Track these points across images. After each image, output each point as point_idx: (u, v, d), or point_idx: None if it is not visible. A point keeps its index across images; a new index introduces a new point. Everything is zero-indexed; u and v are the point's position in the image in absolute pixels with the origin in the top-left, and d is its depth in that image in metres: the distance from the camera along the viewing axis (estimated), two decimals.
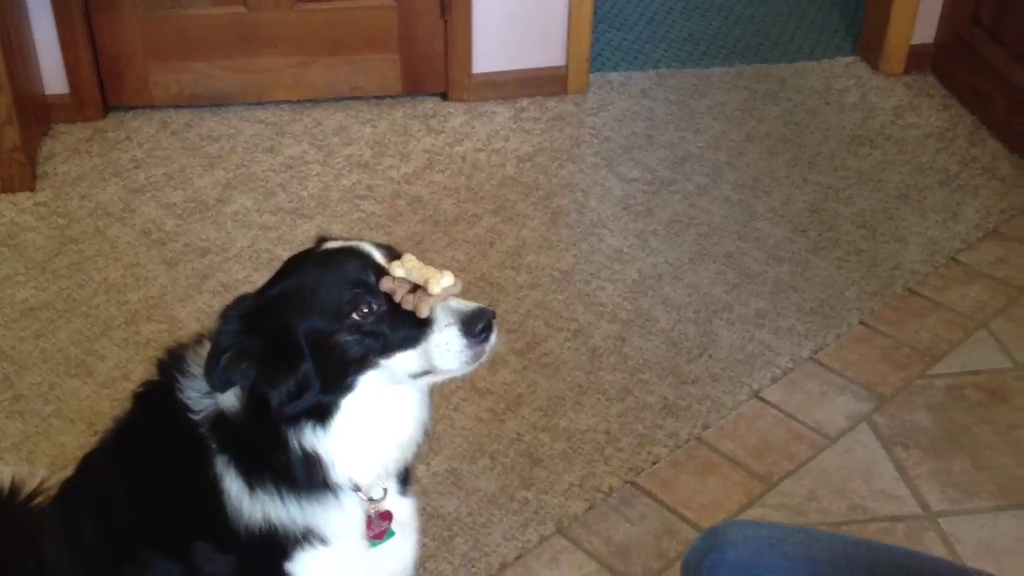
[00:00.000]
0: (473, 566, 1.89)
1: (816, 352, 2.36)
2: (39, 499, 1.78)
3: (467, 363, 1.22)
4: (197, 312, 2.42)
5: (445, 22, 3.12)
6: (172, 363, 1.33)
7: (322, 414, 1.23)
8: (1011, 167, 2.95)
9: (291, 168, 2.93)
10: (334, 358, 1.21)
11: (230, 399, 1.25)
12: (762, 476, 2.06)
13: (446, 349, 1.21)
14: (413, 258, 1.23)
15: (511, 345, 2.35)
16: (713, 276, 2.58)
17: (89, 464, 1.45)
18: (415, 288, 1.21)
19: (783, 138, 3.10)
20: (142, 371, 2.25)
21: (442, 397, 2.21)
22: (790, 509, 1.99)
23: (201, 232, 2.68)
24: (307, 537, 1.30)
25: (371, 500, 1.33)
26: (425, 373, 1.24)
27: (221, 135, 3.05)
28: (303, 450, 1.24)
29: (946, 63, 3.33)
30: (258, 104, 3.16)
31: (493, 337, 1.22)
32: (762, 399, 2.24)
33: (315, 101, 3.18)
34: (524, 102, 3.22)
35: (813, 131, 3.14)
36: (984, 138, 3.08)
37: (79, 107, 3.07)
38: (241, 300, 1.25)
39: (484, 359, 1.23)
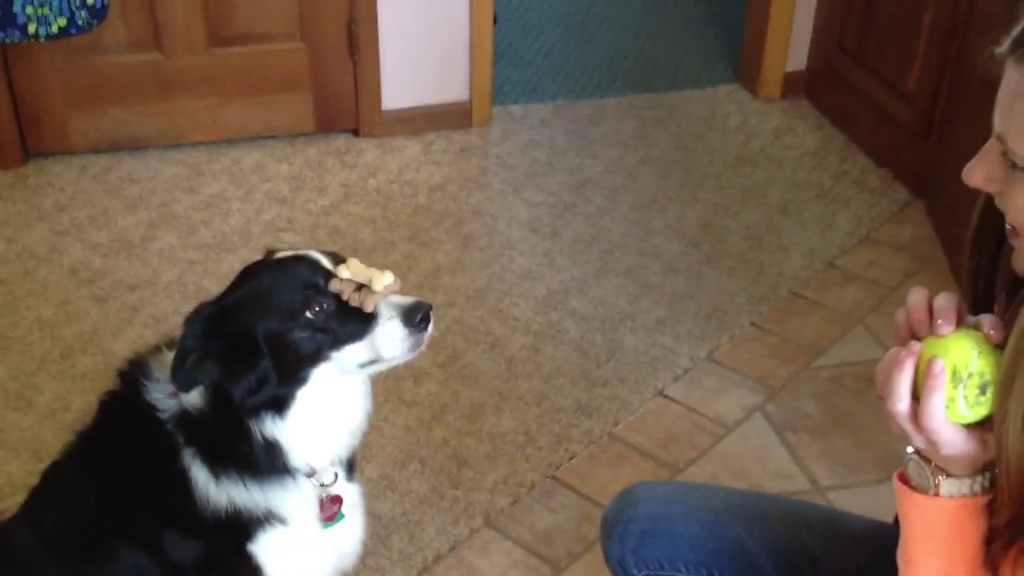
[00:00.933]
0: (410, 560, 2.04)
1: (712, 352, 2.58)
2: None
3: (409, 350, 1.39)
4: (130, 344, 2.53)
5: (354, 62, 3.30)
6: (135, 370, 1.46)
7: (280, 405, 1.39)
8: (878, 180, 3.23)
9: (212, 205, 3.06)
10: (290, 354, 1.37)
11: (194, 397, 1.40)
12: (669, 464, 2.26)
13: (390, 339, 1.37)
14: (356, 261, 1.40)
15: (433, 359, 2.52)
16: (616, 289, 2.79)
17: (54, 472, 1.57)
18: (360, 287, 1.37)
19: (674, 161, 3.35)
20: (81, 401, 2.36)
21: (372, 409, 2.36)
22: None
23: (128, 269, 2.79)
24: (268, 519, 1.44)
25: (322, 485, 1.49)
26: (372, 362, 1.40)
27: (141, 177, 3.17)
28: (264, 438, 1.38)
29: (817, 87, 3.62)
30: (175, 146, 3.29)
31: (430, 327, 1.40)
32: (666, 396, 2.45)
33: (231, 141, 3.32)
34: (432, 135, 3.41)
35: (701, 153, 3.39)
36: (854, 154, 3.36)
37: (0, 155, 3.16)
38: (202, 307, 1.40)
39: (423, 347, 1.40)
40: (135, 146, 3.26)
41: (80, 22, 2.88)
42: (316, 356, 1.39)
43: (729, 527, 1.41)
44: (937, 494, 1.06)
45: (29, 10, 2.80)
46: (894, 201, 3.13)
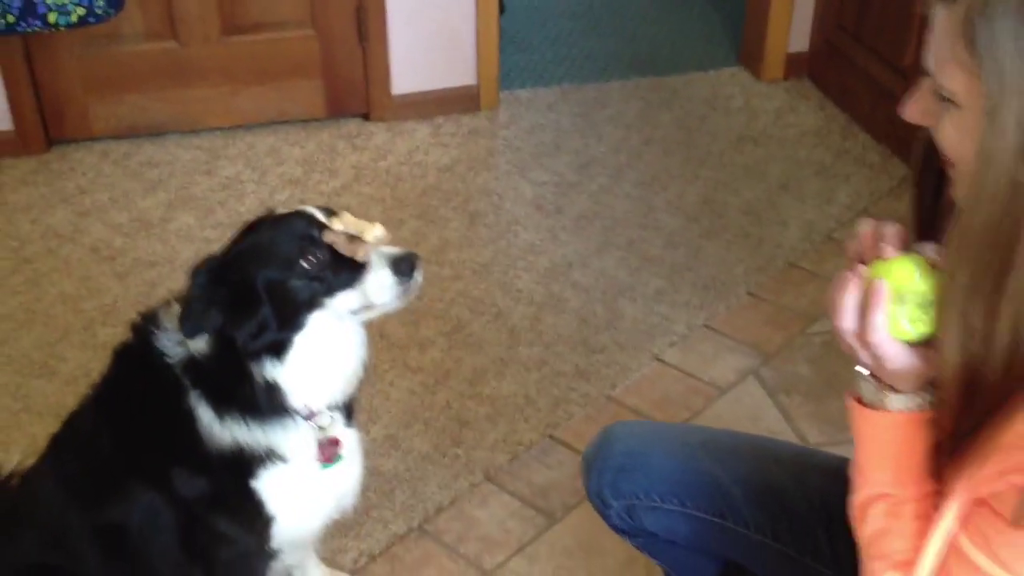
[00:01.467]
0: (411, 511, 2.14)
1: (709, 320, 2.66)
2: (15, 480, 1.99)
3: (397, 297, 1.48)
4: None
5: (363, 48, 3.40)
6: (146, 322, 1.57)
7: (279, 350, 1.48)
8: (878, 156, 3.30)
9: (228, 187, 3.17)
10: (287, 301, 1.46)
11: (200, 344, 1.50)
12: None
13: (380, 286, 1.47)
14: (349, 215, 1.50)
15: (439, 329, 2.61)
16: (617, 262, 2.87)
17: (73, 419, 1.68)
18: (352, 238, 1.47)
19: (677, 141, 3.42)
20: (102, 368, 2.46)
21: (377, 375, 2.46)
22: None
23: (148, 247, 2.90)
24: (269, 456, 1.54)
25: (321, 428, 1.58)
26: (363, 309, 1.50)
27: (160, 161, 3.28)
28: (265, 380, 1.48)
29: (819, 67, 3.69)
30: (193, 132, 3.40)
31: (418, 275, 1.49)
32: (662, 361, 2.53)
33: (246, 127, 3.43)
34: (441, 119, 3.50)
35: (703, 134, 3.46)
36: (855, 132, 3.43)
37: (23, 143, 3.28)
38: (208, 260, 1.50)
39: (412, 295, 1.49)
40: (154, 132, 3.37)
41: (99, 12, 2.99)
42: (311, 303, 1.48)
43: (701, 460, 1.49)
44: (886, 409, 1.14)
45: (50, 1, 2.92)
46: (892, 176, 3.20)
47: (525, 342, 2.58)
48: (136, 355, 1.57)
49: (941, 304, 1.05)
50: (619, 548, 2.05)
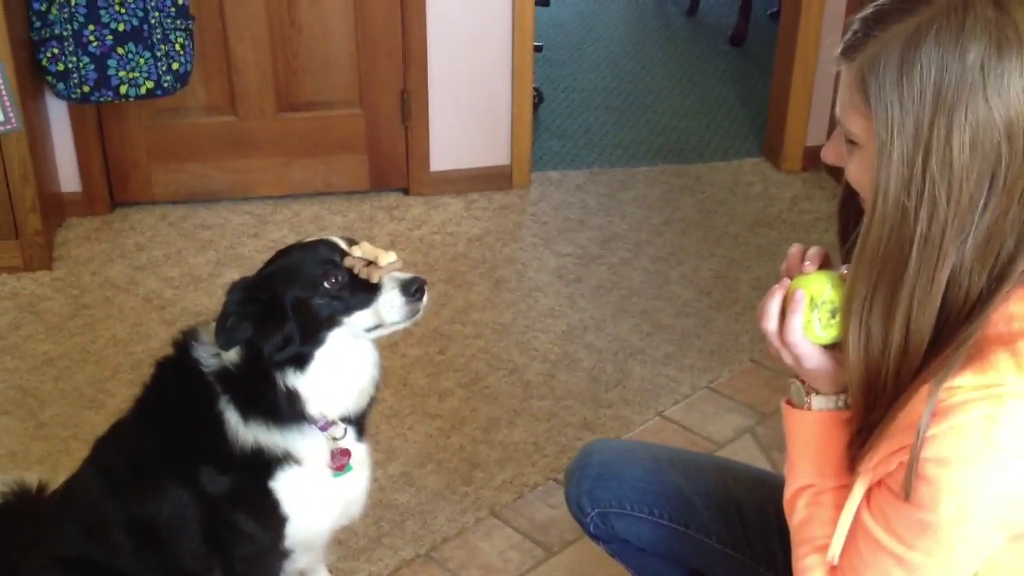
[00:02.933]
0: (420, 540, 2.30)
1: (712, 382, 2.82)
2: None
3: (407, 317, 1.68)
4: None
5: (406, 128, 3.67)
6: (186, 336, 1.79)
7: (301, 362, 1.68)
8: None
9: (273, 248, 3.37)
10: (311, 317, 1.67)
11: (232, 356, 1.71)
12: None
13: (391, 306, 1.66)
14: (367, 244, 1.71)
15: (458, 381, 2.81)
16: (630, 327, 3.05)
17: (118, 423, 1.89)
18: (368, 263, 1.68)
19: (696, 222, 3.63)
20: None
21: (399, 418, 2.65)
22: None
23: (196, 299, 3.14)
24: (286, 459, 1.73)
25: (334, 439, 1.77)
26: (377, 327, 1.69)
27: (213, 224, 3.55)
28: (287, 388, 1.68)
29: None
30: (245, 199, 3.67)
31: (425, 298, 1.68)
32: (665, 417, 2.69)
33: (294, 196, 3.70)
34: (474, 195, 3.75)
35: (721, 216, 3.66)
36: None
37: (89, 203, 3.56)
38: (243, 279, 1.72)
39: (420, 316, 1.69)
40: (209, 198, 3.65)
41: (166, 85, 3.30)
42: (331, 320, 1.68)
43: (669, 473, 1.66)
44: (809, 408, 1.31)
45: (122, 74, 3.23)
46: None
47: (538, 396, 2.76)
48: (175, 365, 1.78)
49: (846, 312, 1.22)
50: None
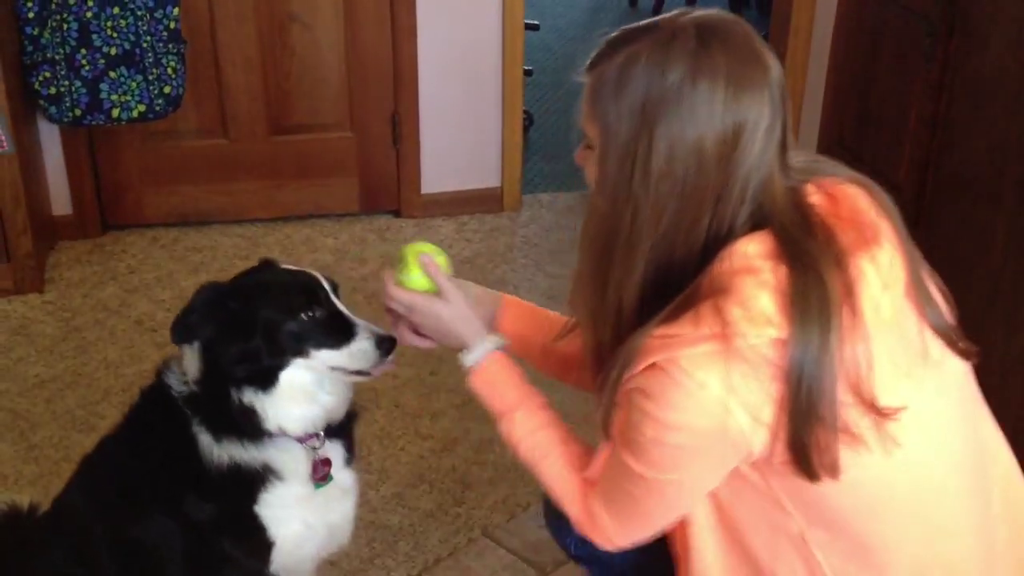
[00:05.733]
0: (412, 562, 2.30)
1: None
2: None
3: (371, 367, 1.69)
4: None
5: (397, 150, 3.69)
6: (163, 366, 1.78)
7: (263, 381, 1.66)
8: None
9: None
10: (279, 341, 1.65)
11: (192, 370, 1.69)
12: None
13: (361, 354, 1.67)
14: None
15: (450, 401, 2.81)
16: None
17: (104, 442, 1.88)
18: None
19: None
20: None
21: (390, 440, 2.65)
22: None
23: None
24: (266, 474, 1.71)
25: (314, 449, 1.75)
26: (340, 370, 1.70)
27: (204, 247, 3.55)
28: (242, 404, 1.66)
29: None
30: (236, 222, 3.68)
31: (391, 356, 1.69)
32: None
33: (285, 219, 3.71)
34: (465, 217, 3.76)
35: None
36: None
37: (81, 226, 3.57)
38: (216, 283, 1.70)
39: (380, 371, 1.70)
40: (201, 220, 3.66)
41: (157, 108, 3.32)
42: (299, 350, 1.67)
43: None
44: (474, 365, 1.55)
45: (114, 97, 3.24)
46: None
47: None
48: (154, 391, 1.78)
49: (574, 289, 1.45)
50: None
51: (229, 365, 1.65)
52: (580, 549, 1.68)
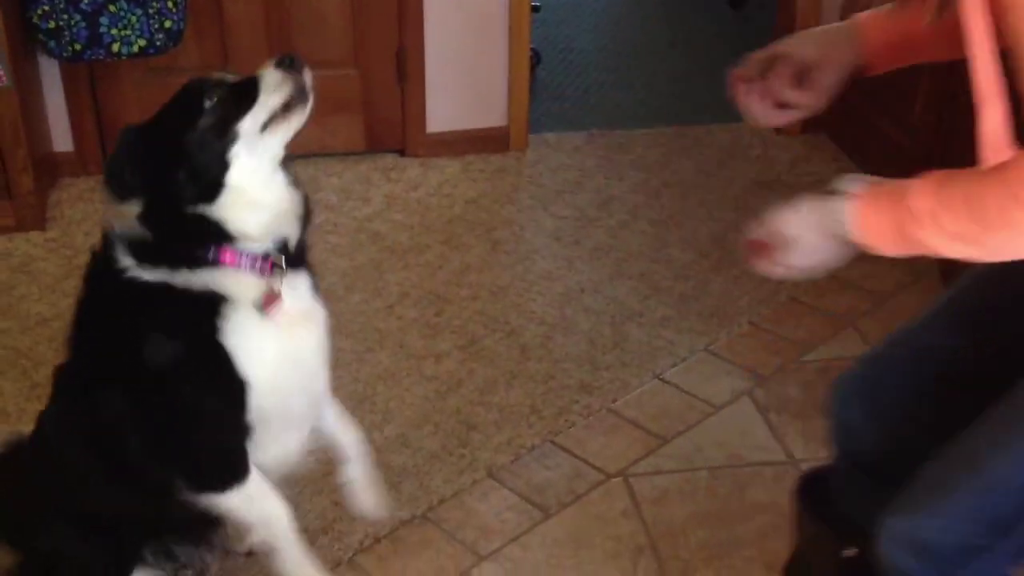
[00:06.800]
0: (416, 502, 2.29)
1: (710, 345, 2.81)
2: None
3: (294, 93, 1.64)
4: None
5: (402, 89, 3.63)
6: (105, 240, 1.70)
7: (211, 193, 1.59)
8: None
9: None
10: (206, 143, 1.58)
11: (131, 209, 1.60)
12: (659, 435, 2.49)
13: (274, 86, 1.63)
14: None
15: (454, 343, 2.79)
16: (628, 290, 3.03)
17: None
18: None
19: (694, 184, 3.60)
20: None
21: (394, 381, 2.64)
22: (679, 458, 2.42)
23: None
24: (220, 301, 1.62)
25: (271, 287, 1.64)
26: (276, 122, 1.64)
27: None
28: (201, 216, 1.60)
29: (836, 123, 3.85)
30: None
31: (306, 71, 1.65)
32: (663, 380, 2.68)
33: (289, 157, 3.65)
34: (471, 157, 3.71)
35: (721, 179, 3.64)
36: None
37: (82, 163, 3.53)
38: (131, 126, 1.63)
39: (309, 94, 1.66)
40: None
41: (158, 43, 3.26)
42: (226, 135, 1.59)
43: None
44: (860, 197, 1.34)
45: (114, 31, 3.18)
46: None
47: (535, 358, 2.74)
48: (92, 268, 1.74)
49: None
50: (607, 542, 2.20)
51: (178, 194, 1.58)
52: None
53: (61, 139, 3.48)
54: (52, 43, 3.17)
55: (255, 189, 1.64)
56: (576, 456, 2.42)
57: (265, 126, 1.64)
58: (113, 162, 1.61)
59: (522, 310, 2.93)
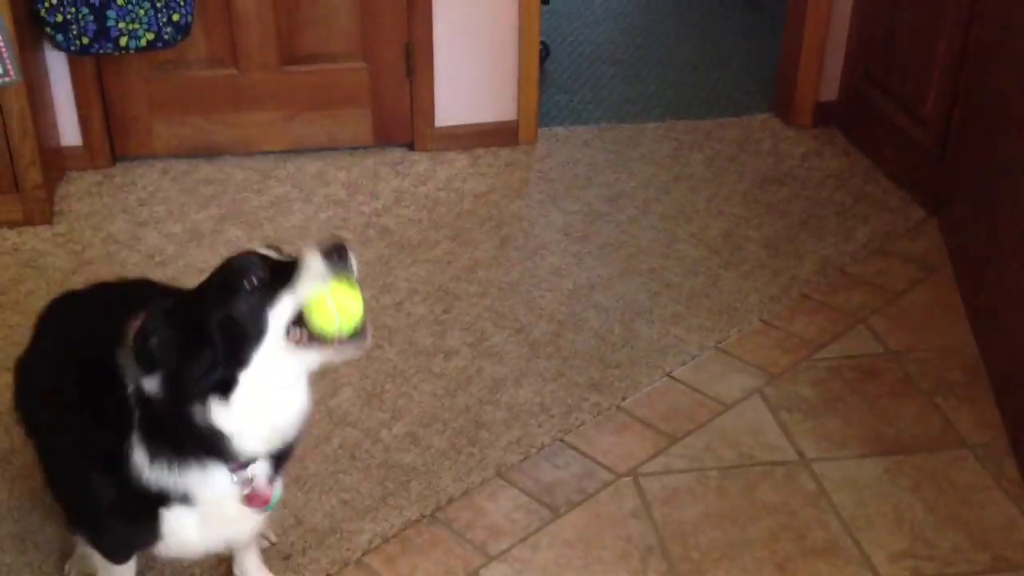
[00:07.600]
0: (425, 501, 2.28)
1: (720, 342, 2.79)
2: None
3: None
4: None
5: (410, 82, 3.61)
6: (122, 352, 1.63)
7: (226, 389, 1.53)
8: (897, 200, 3.42)
9: (275, 205, 3.37)
10: (237, 329, 1.51)
11: (152, 387, 1.55)
12: (668, 434, 2.47)
13: (315, 273, 1.51)
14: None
15: (463, 340, 2.77)
16: (638, 286, 3.01)
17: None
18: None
19: (704, 179, 3.58)
20: None
21: (403, 379, 2.63)
22: (689, 457, 2.40)
23: (198, 256, 3.11)
24: (183, 499, 1.65)
25: (248, 480, 1.65)
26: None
27: (215, 179, 3.50)
28: (208, 424, 1.55)
29: (847, 116, 3.83)
30: (247, 154, 3.62)
31: (352, 259, 1.53)
32: (673, 378, 2.66)
33: (297, 151, 3.65)
34: (480, 151, 3.69)
35: (731, 173, 3.61)
36: (877, 177, 3.55)
37: (90, 157, 3.52)
38: (159, 302, 1.56)
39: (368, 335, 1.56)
40: (212, 153, 3.60)
41: (166, 37, 3.24)
42: (257, 327, 1.51)
43: None
44: None
45: (122, 25, 3.17)
46: (909, 219, 3.31)
47: (544, 355, 2.73)
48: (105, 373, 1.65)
49: None
50: (617, 543, 2.18)
51: (195, 381, 1.52)
52: None
53: (69, 133, 3.47)
54: (60, 37, 3.16)
55: (269, 392, 1.57)
56: (586, 455, 2.41)
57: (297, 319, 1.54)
58: (142, 336, 1.53)
59: (531, 307, 2.92)
